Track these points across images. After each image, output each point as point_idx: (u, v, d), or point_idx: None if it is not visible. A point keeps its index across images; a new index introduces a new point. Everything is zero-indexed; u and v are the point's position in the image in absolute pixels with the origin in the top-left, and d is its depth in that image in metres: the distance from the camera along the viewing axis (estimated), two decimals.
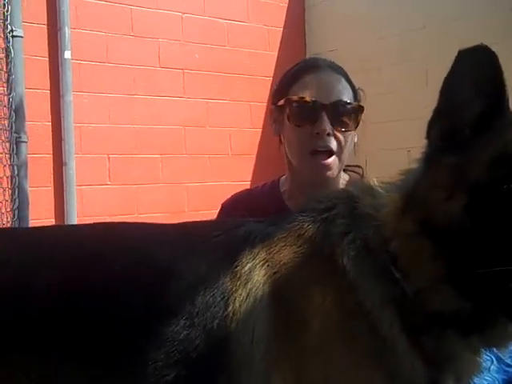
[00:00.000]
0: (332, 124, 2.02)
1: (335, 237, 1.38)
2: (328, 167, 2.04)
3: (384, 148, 4.94)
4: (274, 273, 1.36)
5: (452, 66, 1.31)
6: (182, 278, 1.35)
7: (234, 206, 2.22)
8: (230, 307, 1.32)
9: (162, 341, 1.29)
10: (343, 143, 2.06)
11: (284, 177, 2.27)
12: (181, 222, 1.60)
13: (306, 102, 2.04)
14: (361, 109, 2.10)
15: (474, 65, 1.29)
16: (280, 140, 2.21)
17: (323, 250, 1.37)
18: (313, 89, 2.05)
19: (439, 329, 1.28)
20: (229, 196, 2.35)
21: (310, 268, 1.37)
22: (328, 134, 2.02)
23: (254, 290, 1.34)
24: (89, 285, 1.35)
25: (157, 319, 1.31)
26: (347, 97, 2.07)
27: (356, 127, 2.10)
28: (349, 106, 2.06)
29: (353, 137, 2.12)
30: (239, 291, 1.34)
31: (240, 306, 1.32)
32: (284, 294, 1.34)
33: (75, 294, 1.33)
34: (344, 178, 2.20)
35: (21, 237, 1.55)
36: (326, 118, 2.02)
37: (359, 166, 2.28)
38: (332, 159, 2.04)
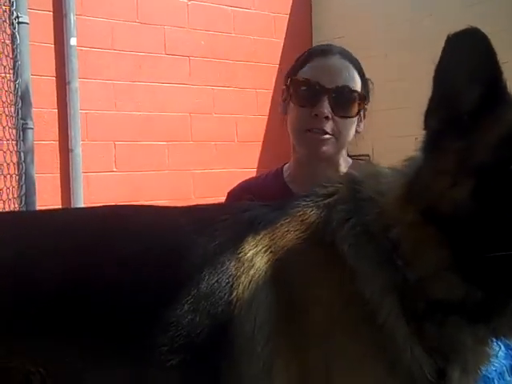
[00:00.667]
0: (332, 108, 2.05)
1: (336, 223, 1.37)
2: (323, 142, 2.07)
3: (391, 135, 4.93)
4: (276, 259, 1.35)
5: (442, 52, 1.28)
6: (189, 262, 1.35)
7: (241, 194, 2.23)
8: (234, 293, 1.31)
9: (167, 325, 1.29)
10: (341, 128, 2.08)
11: (288, 164, 2.30)
12: (188, 205, 1.61)
13: (309, 83, 2.08)
14: (364, 97, 2.12)
15: (465, 50, 1.26)
16: (285, 119, 2.24)
17: (324, 236, 1.36)
18: (318, 72, 2.09)
19: (442, 316, 1.27)
20: (235, 183, 2.37)
21: (311, 255, 1.36)
22: (326, 117, 2.05)
23: (256, 276, 1.33)
24: (94, 271, 1.35)
25: (163, 304, 1.31)
26: (352, 84, 2.09)
27: (357, 115, 2.12)
28: (351, 93, 2.08)
29: (354, 124, 2.14)
30: (242, 277, 1.33)
31: (243, 292, 1.32)
32: (285, 282, 1.33)
33: (80, 281, 1.33)
34: (348, 162, 2.22)
35: (27, 220, 1.54)
36: (326, 101, 2.05)
37: (367, 155, 2.30)
38: (327, 136, 2.07)
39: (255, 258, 1.35)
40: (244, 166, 5.31)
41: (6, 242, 1.39)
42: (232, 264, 1.35)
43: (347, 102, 2.08)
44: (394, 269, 1.29)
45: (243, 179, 2.40)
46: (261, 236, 1.39)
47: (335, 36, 5.40)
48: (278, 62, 5.46)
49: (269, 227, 1.41)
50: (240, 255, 1.36)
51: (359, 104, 2.10)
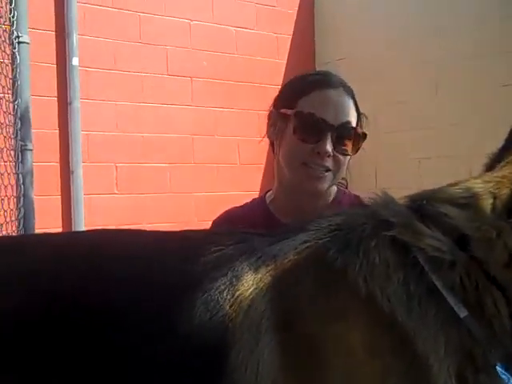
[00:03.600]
0: (334, 145, 2.01)
1: (372, 270, 1.21)
2: (319, 179, 2.02)
3: (394, 158, 4.88)
4: (285, 302, 1.22)
5: None
6: (178, 295, 1.26)
7: (226, 222, 2.19)
8: (230, 335, 1.20)
9: (154, 365, 1.21)
10: (341, 165, 2.05)
11: (271, 191, 2.24)
12: (181, 230, 1.52)
13: (314, 119, 2.01)
14: (364, 136, 2.09)
15: None
16: (272, 144, 2.20)
17: (357, 283, 1.20)
18: (323, 106, 2.03)
19: None
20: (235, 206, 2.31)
21: (337, 302, 1.20)
22: (328, 156, 2.00)
23: (257, 319, 1.20)
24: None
25: (149, 343, 1.23)
26: (353, 120, 2.06)
27: (356, 153, 2.09)
28: (354, 132, 2.05)
29: (349, 159, 2.11)
30: (240, 318, 1.21)
31: (242, 335, 1.19)
32: (300, 330, 1.19)
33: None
34: (333, 190, 2.18)
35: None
36: (329, 138, 2.00)
37: (343, 178, 2.26)
38: (324, 173, 2.03)
39: (256, 298, 1.22)
40: (246, 189, 5.23)
41: None
42: (227, 302, 1.23)
43: (349, 139, 2.04)
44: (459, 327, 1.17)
45: (244, 202, 2.33)
46: (262, 273, 1.26)
47: (338, 57, 5.39)
48: (281, 83, 5.40)
49: (272, 263, 1.27)
50: (237, 294, 1.24)
51: (359, 141, 2.07)
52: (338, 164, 2.03)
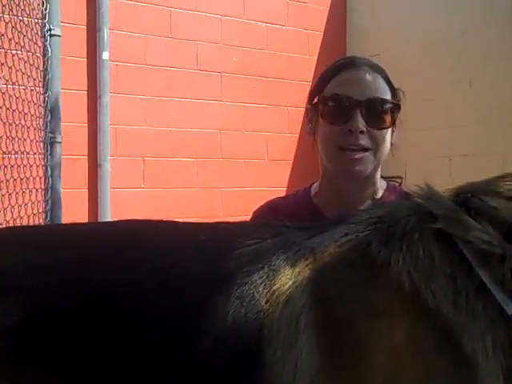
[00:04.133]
0: (366, 121, 1.93)
1: (416, 264, 1.16)
2: (358, 161, 1.94)
3: (424, 156, 4.82)
4: (326, 296, 1.16)
5: None
6: (209, 291, 1.21)
7: (268, 214, 2.11)
8: (266, 331, 1.14)
9: (186, 361, 1.17)
10: (378, 140, 1.96)
11: (316, 183, 2.18)
12: (213, 222, 1.47)
13: (339, 98, 1.96)
14: (397, 106, 2.01)
15: None
16: (314, 139, 2.12)
17: (401, 279, 1.14)
18: (347, 85, 1.97)
19: None
20: (263, 202, 2.26)
21: (380, 297, 1.15)
22: (361, 132, 1.93)
23: (295, 315, 1.14)
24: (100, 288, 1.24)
25: (181, 340, 1.18)
26: (383, 94, 1.98)
27: (392, 125, 2.00)
28: (384, 103, 1.97)
29: (389, 135, 2.02)
30: (277, 314, 1.15)
31: (279, 331, 1.14)
32: (341, 325, 1.14)
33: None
34: (383, 182, 2.10)
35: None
36: (359, 115, 1.93)
37: (399, 177, 2.19)
38: (362, 154, 1.94)
39: (294, 293, 1.16)
40: (274, 185, 5.21)
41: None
42: (263, 297, 1.17)
43: (381, 112, 1.96)
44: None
45: (272, 197, 2.30)
46: (300, 267, 1.20)
47: (370, 54, 5.32)
48: (311, 80, 5.37)
49: (311, 256, 1.22)
50: (274, 288, 1.18)
51: (393, 113, 1.98)
52: (375, 140, 1.95)
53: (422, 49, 5.18)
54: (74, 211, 4.33)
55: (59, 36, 3.92)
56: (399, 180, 2.19)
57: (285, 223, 1.35)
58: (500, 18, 4.65)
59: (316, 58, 5.66)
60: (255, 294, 1.18)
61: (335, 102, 1.97)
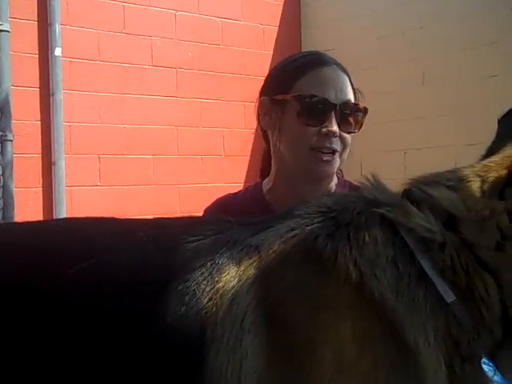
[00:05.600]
0: (339, 124, 1.93)
1: (362, 250, 1.16)
2: (328, 163, 1.95)
3: (379, 149, 4.86)
4: (271, 295, 1.14)
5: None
6: (150, 286, 1.18)
7: (218, 210, 2.08)
8: (209, 331, 1.12)
9: (121, 362, 1.14)
10: (346, 143, 1.97)
11: (268, 179, 2.14)
12: (155, 218, 1.45)
13: (317, 99, 1.93)
14: (366, 111, 2.02)
15: None
16: (264, 134, 2.10)
17: (347, 269, 1.14)
18: (322, 86, 1.95)
19: None
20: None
21: (326, 293, 1.14)
22: (335, 136, 1.93)
23: (240, 315, 1.12)
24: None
25: (120, 338, 1.15)
26: (352, 98, 1.99)
27: (360, 129, 2.02)
28: (356, 108, 1.98)
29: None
30: (220, 313, 1.13)
31: (223, 332, 1.12)
32: (288, 324, 1.12)
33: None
34: (335, 177, 2.10)
35: None
36: (334, 118, 1.93)
37: (340, 170, 2.19)
38: (332, 156, 1.95)
39: (239, 291, 1.14)
40: (231, 181, 5.19)
41: None
42: (205, 296, 1.14)
43: (353, 116, 1.97)
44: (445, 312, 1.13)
45: (222, 194, 2.28)
46: (245, 265, 1.18)
47: (325, 48, 5.33)
48: (267, 75, 5.37)
49: (255, 254, 1.19)
50: (217, 287, 1.15)
51: (362, 118, 2.00)
52: (344, 144, 1.96)
53: (378, 42, 5.21)
54: (28, 210, 4.26)
55: (8, 32, 3.84)
56: (339, 172, 2.19)
57: (229, 219, 1.32)
58: (459, 11, 4.71)
59: (271, 52, 5.65)
60: (197, 291, 1.15)
61: (313, 104, 1.94)
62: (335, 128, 1.92)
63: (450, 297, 1.14)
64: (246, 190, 2.23)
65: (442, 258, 1.16)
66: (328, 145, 1.93)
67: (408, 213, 1.20)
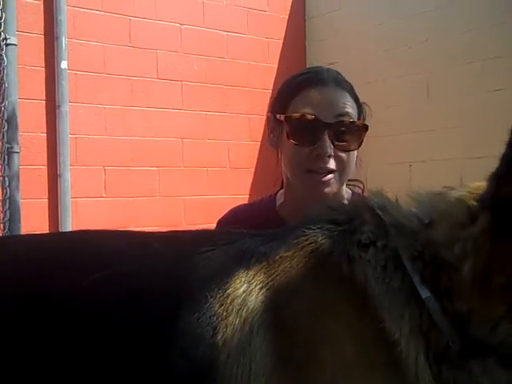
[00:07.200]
0: (334, 144, 1.89)
1: (358, 254, 1.21)
2: (326, 183, 1.91)
3: (385, 162, 4.86)
4: (277, 299, 1.19)
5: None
6: (165, 295, 1.22)
7: (232, 221, 2.05)
8: (219, 335, 1.16)
9: (138, 367, 1.17)
10: (345, 162, 1.92)
11: (281, 191, 2.14)
12: (168, 231, 1.48)
13: (307, 120, 1.89)
14: (365, 128, 1.97)
15: None
16: (277, 151, 2.07)
17: (342, 271, 1.20)
18: (315, 105, 1.90)
19: (479, 357, 1.13)
20: (226, 210, 2.22)
21: (325, 295, 1.20)
22: (329, 156, 1.88)
23: (250, 318, 1.17)
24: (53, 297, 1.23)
25: (137, 345, 1.18)
26: (351, 114, 1.93)
27: (359, 146, 1.96)
28: (352, 125, 1.92)
29: (355, 155, 1.98)
30: (231, 318, 1.17)
31: (233, 335, 1.16)
32: (292, 326, 1.17)
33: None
34: (347, 192, 2.07)
35: None
36: (327, 138, 1.88)
37: (360, 181, 2.17)
38: (330, 176, 1.91)
39: (248, 297, 1.19)
40: (236, 193, 5.21)
41: None
42: (216, 302, 1.19)
43: (349, 134, 1.91)
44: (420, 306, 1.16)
45: (234, 206, 2.27)
46: (254, 271, 1.23)
47: (330, 61, 5.35)
48: (272, 88, 5.39)
49: (264, 261, 1.25)
50: (228, 292, 1.20)
51: (360, 135, 1.94)
52: (341, 163, 1.91)
53: (383, 55, 5.22)
54: (34, 222, 4.28)
55: (15, 45, 3.87)
56: (361, 185, 2.17)
57: (241, 231, 1.37)
58: (465, 24, 4.71)
59: (276, 65, 5.68)
60: (209, 298, 1.20)
61: (302, 124, 1.91)
62: (327, 149, 1.88)
63: (424, 293, 1.16)
64: (260, 201, 2.21)
65: (415, 246, 1.21)
66: (322, 165, 1.89)
67: (397, 210, 1.27)
